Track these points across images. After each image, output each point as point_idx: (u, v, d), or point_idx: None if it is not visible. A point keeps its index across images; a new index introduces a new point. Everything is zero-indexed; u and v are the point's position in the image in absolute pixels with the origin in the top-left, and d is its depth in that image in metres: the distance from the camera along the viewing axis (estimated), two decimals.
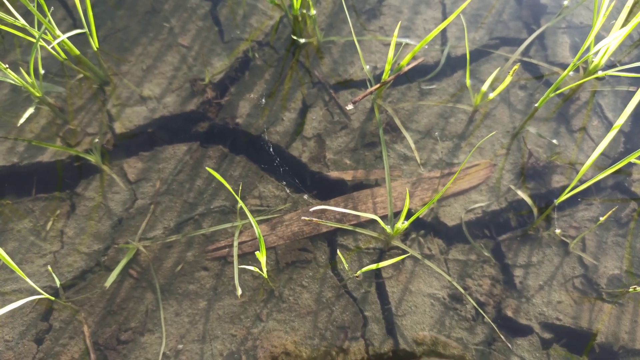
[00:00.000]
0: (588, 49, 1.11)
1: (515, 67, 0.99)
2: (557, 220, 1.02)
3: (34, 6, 0.93)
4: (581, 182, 1.00)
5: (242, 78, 1.17)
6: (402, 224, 0.92)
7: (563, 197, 0.99)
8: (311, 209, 1.01)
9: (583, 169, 0.94)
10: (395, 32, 1.01)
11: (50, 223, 1.00)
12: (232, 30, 1.22)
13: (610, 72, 1.03)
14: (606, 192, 1.07)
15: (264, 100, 1.14)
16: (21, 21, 0.99)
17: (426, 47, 1.21)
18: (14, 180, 1.05)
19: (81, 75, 1.13)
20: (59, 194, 1.04)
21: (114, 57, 1.18)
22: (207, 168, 0.93)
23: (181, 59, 1.18)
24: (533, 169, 1.07)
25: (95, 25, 1.20)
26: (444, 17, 1.25)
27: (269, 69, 1.18)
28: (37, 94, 1.04)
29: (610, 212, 1.02)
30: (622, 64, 1.19)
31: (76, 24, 1.21)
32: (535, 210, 1.03)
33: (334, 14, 1.25)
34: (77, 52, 1.05)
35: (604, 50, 1.06)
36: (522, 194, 1.04)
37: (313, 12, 1.21)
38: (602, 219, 1.01)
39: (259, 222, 1.01)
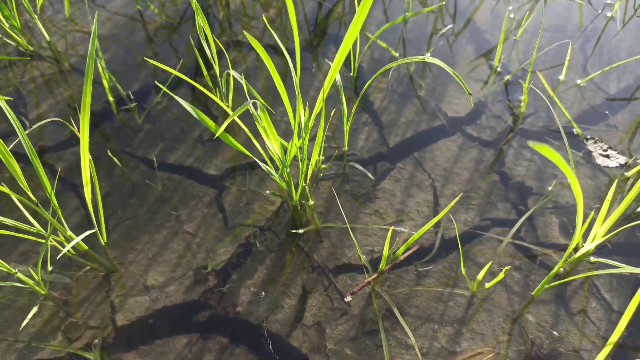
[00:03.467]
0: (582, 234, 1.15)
1: (506, 267, 1.02)
2: None
3: (49, 212, 1.00)
4: None
5: (244, 264, 1.20)
6: None
7: None
8: None
9: None
10: (390, 229, 1.06)
11: None
12: (235, 217, 1.29)
13: (601, 259, 1.06)
14: None
15: (264, 288, 1.16)
16: (35, 226, 1.05)
17: (419, 228, 1.26)
18: None
19: (88, 267, 1.17)
20: None
21: (122, 247, 1.23)
22: None
23: (186, 246, 1.23)
24: (537, 358, 1.05)
25: (106, 215, 1.27)
26: (436, 200, 1.33)
27: (269, 254, 1.22)
28: (43, 292, 1.06)
29: None
30: (613, 245, 1.23)
31: (87, 214, 1.28)
32: None
33: (332, 198, 1.32)
34: (86, 247, 1.10)
35: (593, 235, 1.11)
36: None
37: (311, 202, 1.28)
38: None
39: None
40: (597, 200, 1.31)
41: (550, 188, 1.33)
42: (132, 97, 1.54)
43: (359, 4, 1.73)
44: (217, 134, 0.87)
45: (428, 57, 1.01)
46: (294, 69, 1.03)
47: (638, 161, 1.37)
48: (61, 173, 1.37)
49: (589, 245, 1.08)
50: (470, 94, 1.05)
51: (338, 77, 1.24)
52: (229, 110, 1.03)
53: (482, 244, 1.24)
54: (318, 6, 1.87)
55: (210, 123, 0.97)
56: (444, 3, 1.80)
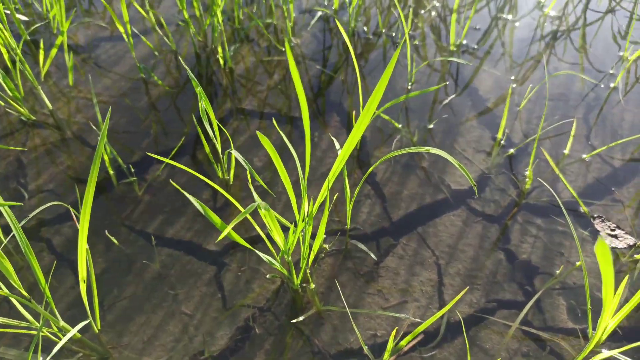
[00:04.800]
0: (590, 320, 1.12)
1: None
2: None
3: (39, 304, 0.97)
4: None
5: (243, 349, 1.16)
6: None
7: None
8: None
9: None
10: (398, 324, 1.02)
11: None
12: (234, 296, 1.25)
13: (613, 352, 1.02)
14: None
15: None
16: (27, 319, 1.01)
17: (424, 312, 1.23)
18: None
19: (80, 354, 1.13)
20: None
21: (116, 329, 1.19)
22: None
23: (183, 329, 1.19)
24: None
25: (101, 295, 1.24)
26: (440, 278, 1.29)
27: (269, 338, 1.18)
28: None
29: None
30: (624, 330, 1.19)
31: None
32: None
33: (333, 277, 1.29)
34: (79, 335, 1.07)
35: (606, 326, 1.07)
36: None
37: (312, 285, 1.25)
38: None
39: None
40: None
41: (558, 271, 1.30)
42: (132, 169, 1.53)
43: (361, 75, 1.74)
44: (221, 237, 0.85)
45: (432, 149, 1.00)
46: (302, 161, 1.02)
47: None
48: (57, 248, 1.34)
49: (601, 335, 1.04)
50: (475, 185, 1.04)
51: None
52: (228, 196, 1.01)
53: (488, 327, 1.20)
54: (321, 72, 1.89)
55: (217, 220, 0.95)
56: (447, 83, 1.82)
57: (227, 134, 1.36)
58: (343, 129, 1.66)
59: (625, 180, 1.51)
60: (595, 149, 1.60)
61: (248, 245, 1.08)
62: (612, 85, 1.82)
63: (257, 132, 0.90)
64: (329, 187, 0.94)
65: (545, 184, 1.47)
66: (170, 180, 1.50)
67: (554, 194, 1.34)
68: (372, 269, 1.31)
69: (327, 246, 1.34)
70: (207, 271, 1.31)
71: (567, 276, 1.29)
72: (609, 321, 1.03)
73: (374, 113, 1.57)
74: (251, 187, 1.03)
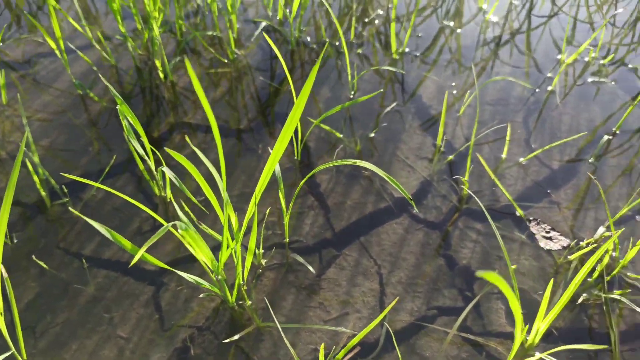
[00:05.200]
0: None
1: None
2: None
3: None
4: None
5: None
6: None
7: None
8: None
9: None
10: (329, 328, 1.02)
11: None
12: (172, 316, 1.23)
13: (545, 354, 1.04)
14: None
15: None
16: None
17: (365, 322, 1.22)
18: None
19: None
20: None
21: (49, 357, 1.15)
22: None
23: (118, 353, 1.16)
24: None
25: (34, 321, 1.19)
26: (381, 288, 1.29)
27: (207, 357, 1.16)
28: None
29: None
30: (559, 331, 1.21)
31: (12, 319, 1.20)
32: None
33: (274, 291, 1.28)
34: None
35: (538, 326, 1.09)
36: None
37: (249, 302, 1.24)
38: None
39: None
40: (543, 283, 1.30)
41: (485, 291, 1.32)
42: (65, 190, 1.49)
43: (296, 96, 1.74)
44: (133, 262, 0.83)
45: (359, 162, 1.00)
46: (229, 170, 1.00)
47: (580, 243, 1.37)
48: None
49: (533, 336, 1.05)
50: (410, 198, 1.05)
51: (278, 167, 1.23)
52: (153, 215, 0.99)
53: (428, 335, 1.21)
54: (266, 83, 1.88)
55: (127, 245, 0.93)
56: (381, 91, 1.83)
57: (158, 153, 1.33)
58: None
59: (562, 182, 1.55)
60: (534, 152, 1.63)
61: (166, 267, 1.06)
62: (549, 88, 1.87)
63: (167, 148, 0.88)
64: (256, 202, 0.93)
65: (485, 186, 1.49)
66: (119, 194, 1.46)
67: (496, 190, 1.36)
68: (313, 282, 1.31)
69: (263, 262, 1.33)
70: (144, 292, 1.28)
71: (505, 279, 1.31)
72: (539, 325, 1.05)
73: (313, 123, 1.57)
74: (185, 204, 1.01)
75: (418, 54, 2.00)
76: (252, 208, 0.97)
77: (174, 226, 0.96)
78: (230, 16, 1.80)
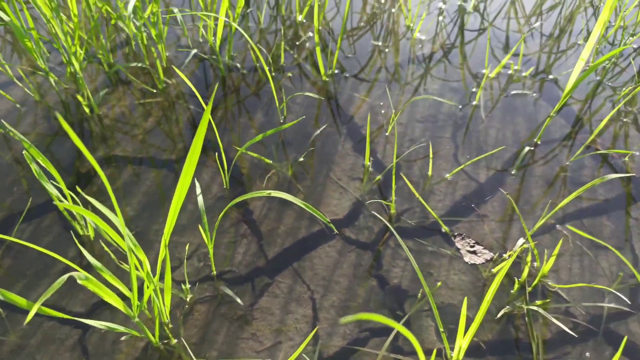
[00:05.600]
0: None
1: None
2: None
3: None
4: None
5: None
6: None
7: None
8: None
9: None
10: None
11: None
12: (100, 359, 1.20)
13: None
14: None
15: None
16: None
17: (297, 349, 1.22)
18: None
19: None
20: None
21: None
22: None
23: None
24: None
25: None
26: (315, 313, 1.30)
27: None
28: None
29: None
30: (487, 344, 1.24)
31: None
32: None
33: (206, 325, 1.26)
34: None
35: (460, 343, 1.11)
36: None
37: (174, 341, 1.22)
38: None
39: None
40: (472, 297, 1.33)
41: (419, 295, 1.34)
42: None
43: (237, 110, 1.74)
44: (28, 319, 0.81)
45: (274, 192, 1.01)
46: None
47: (503, 255, 1.42)
48: None
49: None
50: (328, 222, 1.06)
51: (200, 199, 1.22)
52: (62, 259, 0.97)
53: (360, 358, 1.22)
54: (196, 111, 1.87)
55: (22, 302, 0.90)
56: (303, 117, 1.85)
57: (81, 191, 1.31)
58: (218, 168, 1.65)
59: (489, 195, 1.59)
60: (459, 166, 1.68)
61: (69, 317, 1.04)
62: (474, 103, 1.93)
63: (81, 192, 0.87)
64: (166, 242, 0.92)
65: (415, 204, 1.52)
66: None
67: (425, 208, 1.39)
68: (246, 312, 1.30)
69: (188, 297, 1.32)
70: (71, 335, 1.24)
71: (435, 295, 1.33)
72: (461, 343, 1.07)
73: (238, 151, 1.57)
74: (104, 245, 0.99)
75: (348, 75, 2.04)
76: (163, 250, 0.96)
77: (79, 275, 0.94)
78: (158, 46, 1.79)
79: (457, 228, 1.50)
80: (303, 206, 1.08)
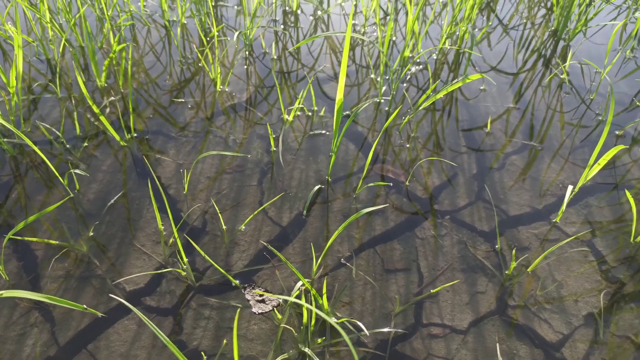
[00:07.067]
0: None
1: None
2: None
3: None
4: None
5: None
6: None
7: None
8: None
9: None
10: None
11: None
12: None
13: None
14: None
15: None
16: None
17: None
18: None
19: None
20: None
21: None
22: None
23: None
24: None
25: None
26: None
27: None
28: None
29: None
30: None
31: None
32: None
33: None
34: None
35: None
36: None
37: None
38: None
39: None
40: (270, 344, 1.36)
41: (219, 351, 1.35)
42: None
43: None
44: None
45: (28, 294, 0.97)
46: None
47: (288, 300, 1.48)
48: None
49: None
50: (85, 308, 1.03)
51: None
52: None
53: None
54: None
55: None
56: (73, 195, 1.82)
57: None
58: None
59: (290, 237, 1.66)
60: (266, 214, 1.73)
61: None
62: (272, 149, 2.02)
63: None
64: None
65: (217, 259, 1.53)
66: None
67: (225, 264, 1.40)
68: None
69: None
70: None
71: (229, 351, 1.35)
72: None
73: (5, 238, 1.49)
74: None
75: (148, 137, 2.04)
76: None
77: None
78: None
79: (258, 277, 1.54)
80: (51, 300, 1.05)
